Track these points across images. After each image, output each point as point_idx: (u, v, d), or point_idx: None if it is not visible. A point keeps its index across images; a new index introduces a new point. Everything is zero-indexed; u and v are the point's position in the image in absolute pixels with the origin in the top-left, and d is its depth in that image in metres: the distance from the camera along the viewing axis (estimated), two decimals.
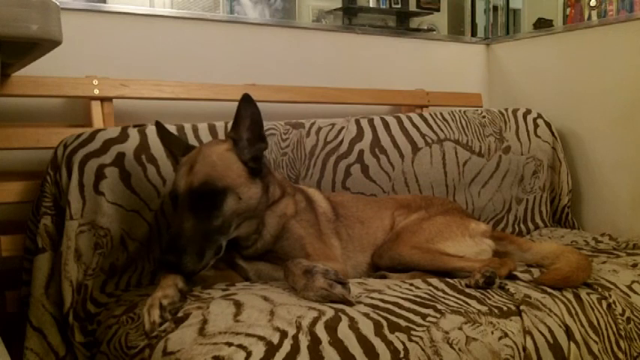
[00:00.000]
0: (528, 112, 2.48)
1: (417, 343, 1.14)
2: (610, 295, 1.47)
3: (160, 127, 1.54)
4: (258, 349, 1.03)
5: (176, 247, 1.27)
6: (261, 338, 1.07)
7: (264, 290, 1.32)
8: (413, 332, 1.16)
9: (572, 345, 1.29)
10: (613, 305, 1.44)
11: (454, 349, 1.15)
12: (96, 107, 1.86)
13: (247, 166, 1.41)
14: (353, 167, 1.99)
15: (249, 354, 1.02)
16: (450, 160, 2.19)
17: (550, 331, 1.28)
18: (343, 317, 1.16)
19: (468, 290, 1.41)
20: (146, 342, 1.17)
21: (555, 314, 1.33)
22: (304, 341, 1.07)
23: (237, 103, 1.75)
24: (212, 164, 1.37)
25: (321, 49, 2.46)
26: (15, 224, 1.68)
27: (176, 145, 1.52)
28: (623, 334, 1.41)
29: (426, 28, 3.48)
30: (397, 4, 3.55)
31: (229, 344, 1.05)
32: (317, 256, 1.46)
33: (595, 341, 1.34)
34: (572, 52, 2.53)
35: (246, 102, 1.38)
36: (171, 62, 2.11)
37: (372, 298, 1.30)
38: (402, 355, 1.10)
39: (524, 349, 1.22)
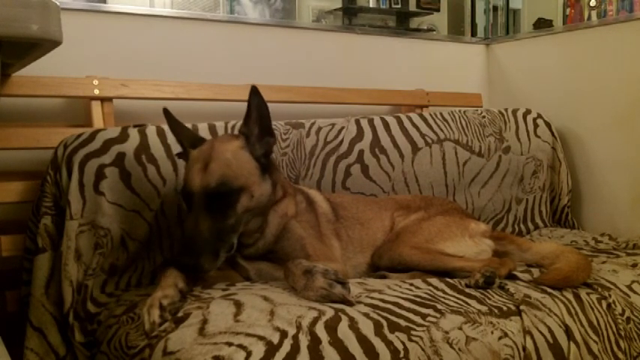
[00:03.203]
0: (528, 112, 2.48)
1: (417, 343, 1.14)
2: (610, 295, 1.47)
3: (168, 114, 1.53)
4: (258, 349, 1.04)
5: (192, 249, 1.28)
6: (261, 338, 1.07)
7: (264, 290, 1.32)
8: (413, 332, 1.16)
9: (572, 345, 1.29)
10: (613, 305, 1.44)
11: (454, 348, 1.15)
12: (96, 107, 1.86)
13: (259, 162, 1.42)
14: (353, 167, 1.99)
15: (249, 354, 1.02)
16: (449, 160, 2.19)
17: (550, 331, 1.29)
18: (343, 317, 1.16)
19: (467, 290, 1.42)
20: (146, 342, 1.17)
21: (555, 314, 1.33)
22: (304, 341, 1.07)
23: (237, 104, 1.76)
24: (227, 163, 1.38)
25: (321, 49, 2.46)
26: (15, 224, 1.68)
27: (184, 135, 1.52)
28: (622, 334, 1.41)
29: (426, 28, 3.48)
30: (397, 4, 3.55)
31: (229, 344, 1.05)
32: (317, 257, 1.46)
33: (595, 341, 1.34)
34: (572, 52, 2.53)
35: (254, 94, 1.38)
36: (171, 62, 2.11)
37: (372, 298, 1.30)
38: (402, 355, 1.10)
39: (524, 349, 1.22)
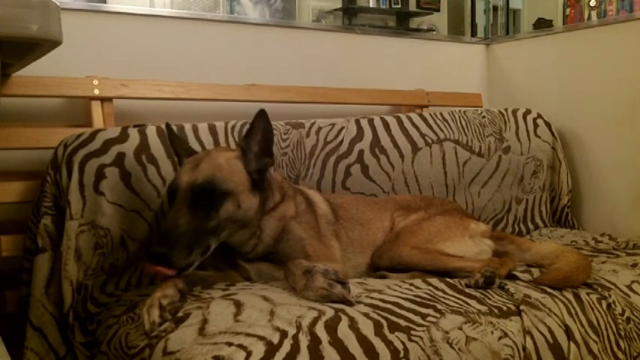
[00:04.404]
0: (528, 112, 2.48)
1: (416, 342, 1.14)
2: (610, 295, 1.47)
3: (169, 129, 1.56)
4: (258, 349, 1.04)
5: (167, 241, 1.26)
6: (261, 338, 1.07)
7: (264, 290, 1.32)
8: (413, 332, 1.16)
9: (572, 345, 1.29)
10: (613, 305, 1.44)
11: (454, 348, 1.15)
12: (96, 107, 1.86)
13: (251, 177, 1.43)
14: (353, 167, 1.99)
15: (249, 354, 1.02)
16: (449, 160, 2.19)
17: (550, 331, 1.29)
18: (343, 317, 1.16)
19: (467, 290, 1.42)
20: (146, 342, 1.17)
21: (555, 314, 1.33)
22: (304, 341, 1.07)
23: (237, 104, 1.75)
24: (218, 166, 1.39)
25: (321, 49, 2.46)
26: (15, 224, 1.68)
27: (183, 149, 1.54)
28: (622, 334, 1.41)
29: (426, 28, 3.48)
30: (397, 4, 3.55)
31: (229, 344, 1.05)
32: (317, 257, 1.46)
33: (595, 341, 1.34)
34: (572, 52, 2.53)
35: (261, 117, 1.41)
36: (172, 62, 2.11)
37: (372, 298, 1.30)
38: (402, 355, 1.10)
39: (524, 349, 1.22)
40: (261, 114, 1.40)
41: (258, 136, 1.43)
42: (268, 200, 1.50)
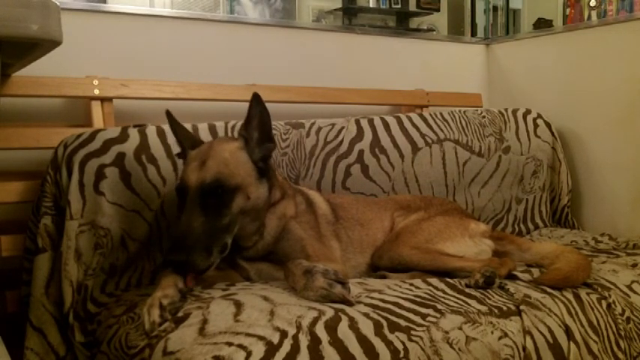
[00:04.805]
0: (528, 112, 2.48)
1: (416, 342, 1.14)
2: (610, 295, 1.47)
3: (170, 116, 1.54)
4: (258, 349, 1.04)
5: (184, 246, 1.26)
6: (261, 338, 1.07)
7: (264, 290, 1.32)
8: (413, 332, 1.16)
9: (572, 345, 1.29)
10: (613, 305, 1.44)
11: (454, 348, 1.15)
12: (96, 107, 1.87)
13: (257, 165, 1.42)
14: (353, 167, 1.99)
15: (249, 354, 1.02)
16: (449, 160, 2.19)
17: (550, 331, 1.29)
18: (343, 317, 1.16)
19: (467, 290, 1.42)
20: (146, 342, 1.17)
21: (555, 314, 1.33)
22: (304, 341, 1.07)
23: (237, 104, 1.74)
24: (224, 161, 1.38)
25: (321, 49, 2.46)
26: (15, 224, 1.68)
27: (185, 137, 1.53)
28: (622, 334, 1.41)
29: (426, 28, 3.48)
30: (397, 4, 3.56)
31: (229, 344, 1.05)
32: (317, 257, 1.46)
33: (595, 341, 1.34)
34: (572, 52, 2.53)
35: (256, 101, 1.39)
36: (172, 62, 2.11)
37: (372, 298, 1.30)
38: (401, 355, 1.10)
39: (524, 348, 1.22)
40: (256, 98, 1.39)
41: (255, 121, 1.42)
42: (274, 188, 1.50)
